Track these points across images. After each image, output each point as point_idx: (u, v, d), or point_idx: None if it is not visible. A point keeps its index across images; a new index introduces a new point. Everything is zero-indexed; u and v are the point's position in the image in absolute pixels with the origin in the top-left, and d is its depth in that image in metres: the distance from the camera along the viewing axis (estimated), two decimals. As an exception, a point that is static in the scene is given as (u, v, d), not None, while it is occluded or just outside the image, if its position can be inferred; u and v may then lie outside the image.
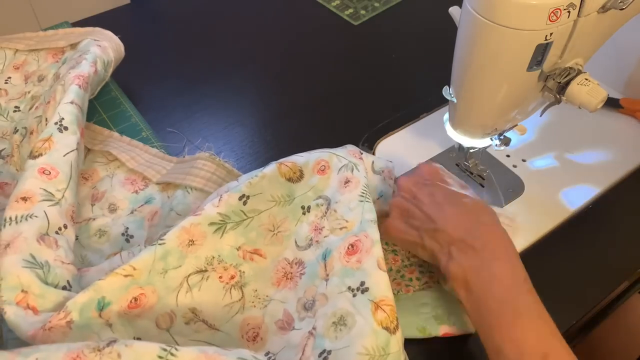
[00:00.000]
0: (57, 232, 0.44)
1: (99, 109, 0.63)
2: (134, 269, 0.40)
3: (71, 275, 0.42)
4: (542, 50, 0.41)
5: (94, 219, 0.52)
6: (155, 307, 0.41)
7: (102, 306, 0.39)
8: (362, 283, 0.39)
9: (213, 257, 0.44)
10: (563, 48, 0.43)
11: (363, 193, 0.44)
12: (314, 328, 0.39)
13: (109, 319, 0.39)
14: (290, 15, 0.81)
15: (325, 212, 0.46)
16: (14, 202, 0.44)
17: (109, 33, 0.64)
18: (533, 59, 0.42)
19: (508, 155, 0.59)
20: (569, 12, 0.39)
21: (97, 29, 0.65)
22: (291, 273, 0.45)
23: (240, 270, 0.45)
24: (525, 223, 0.53)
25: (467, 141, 0.52)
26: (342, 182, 0.46)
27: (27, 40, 0.68)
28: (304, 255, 0.45)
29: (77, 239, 0.49)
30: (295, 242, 0.46)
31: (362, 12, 0.80)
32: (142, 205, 0.54)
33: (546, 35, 0.40)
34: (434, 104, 0.64)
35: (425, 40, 0.75)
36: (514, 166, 0.58)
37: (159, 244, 0.41)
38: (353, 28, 0.78)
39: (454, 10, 0.50)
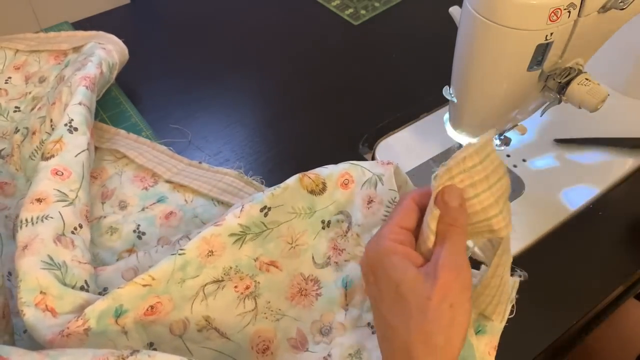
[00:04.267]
0: (73, 232, 0.45)
1: (99, 109, 0.63)
2: (153, 278, 0.40)
3: (88, 275, 0.43)
4: (542, 50, 0.41)
5: (104, 217, 0.52)
6: (171, 314, 0.41)
7: (119, 313, 0.39)
8: None
9: (230, 267, 0.43)
10: (563, 48, 0.43)
11: (387, 214, 0.43)
12: (329, 355, 0.39)
13: (125, 326, 0.39)
14: (291, 15, 0.81)
15: (346, 232, 0.45)
16: (29, 203, 0.44)
17: (113, 37, 0.64)
18: (533, 59, 0.42)
19: (508, 155, 0.59)
20: (569, 12, 0.39)
21: (101, 33, 0.65)
22: (306, 290, 0.44)
23: (255, 281, 0.44)
24: (525, 223, 0.53)
25: (467, 141, 0.52)
26: (365, 201, 0.45)
27: (28, 40, 0.68)
28: (320, 274, 0.44)
29: None
30: (313, 257, 0.45)
31: (362, 12, 0.80)
32: (153, 203, 0.54)
33: (546, 35, 0.40)
34: (434, 104, 0.64)
35: (426, 40, 0.75)
36: (514, 166, 0.58)
37: (179, 254, 0.41)
38: (353, 28, 0.78)
39: (454, 10, 0.50)
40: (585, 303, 0.48)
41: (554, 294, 0.48)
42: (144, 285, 0.40)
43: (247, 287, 0.43)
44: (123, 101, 0.64)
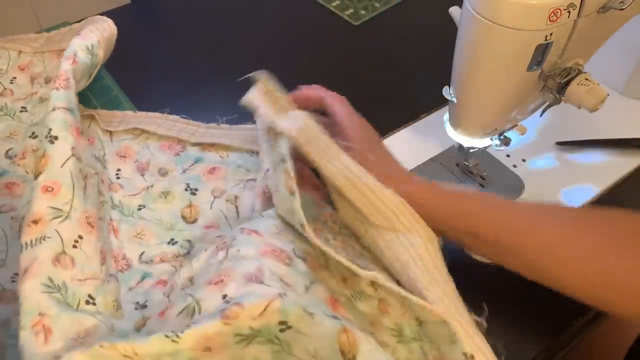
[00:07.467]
0: (74, 247, 0.44)
1: (99, 109, 0.63)
2: (136, 353, 0.35)
3: (93, 287, 0.43)
4: (542, 50, 0.41)
5: (151, 186, 0.55)
6: None
7: None
8: None
9: None
10: (563, 48, 0.43)
11: None
12: None
13: None
14: (290, 15, 0.81)
15: None
16: (27, 226, 0.44)
17: (96, 18, 0.63)
18: (533, 59, 0.42)
19: (508, 155, 0.59)
20: (569, 12, 0.39)
21: (87, 19, 0.63)
22: None
23: None
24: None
25: (467, 141, 0.52)
26: None
27: (32, 42, 0.68)
28: None
29: (141, 208, 0.53)
30: None
31: (362, 12, 0.80)
32: (192, 165, 0.56)
33: (546, 36, 0.40)
34: (434, 104, 0.64)
35: (426, 40, 0.75)
36: (514, 166, 0.58)
37: (172, 340, 0.36)
38: (353, 28, 0.78)
39: (454, 11, 0.50)
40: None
41: (554, 293, 0.48)
42: (125, 356, 0.35)
43: None
44: (123, 101, 0.64)
